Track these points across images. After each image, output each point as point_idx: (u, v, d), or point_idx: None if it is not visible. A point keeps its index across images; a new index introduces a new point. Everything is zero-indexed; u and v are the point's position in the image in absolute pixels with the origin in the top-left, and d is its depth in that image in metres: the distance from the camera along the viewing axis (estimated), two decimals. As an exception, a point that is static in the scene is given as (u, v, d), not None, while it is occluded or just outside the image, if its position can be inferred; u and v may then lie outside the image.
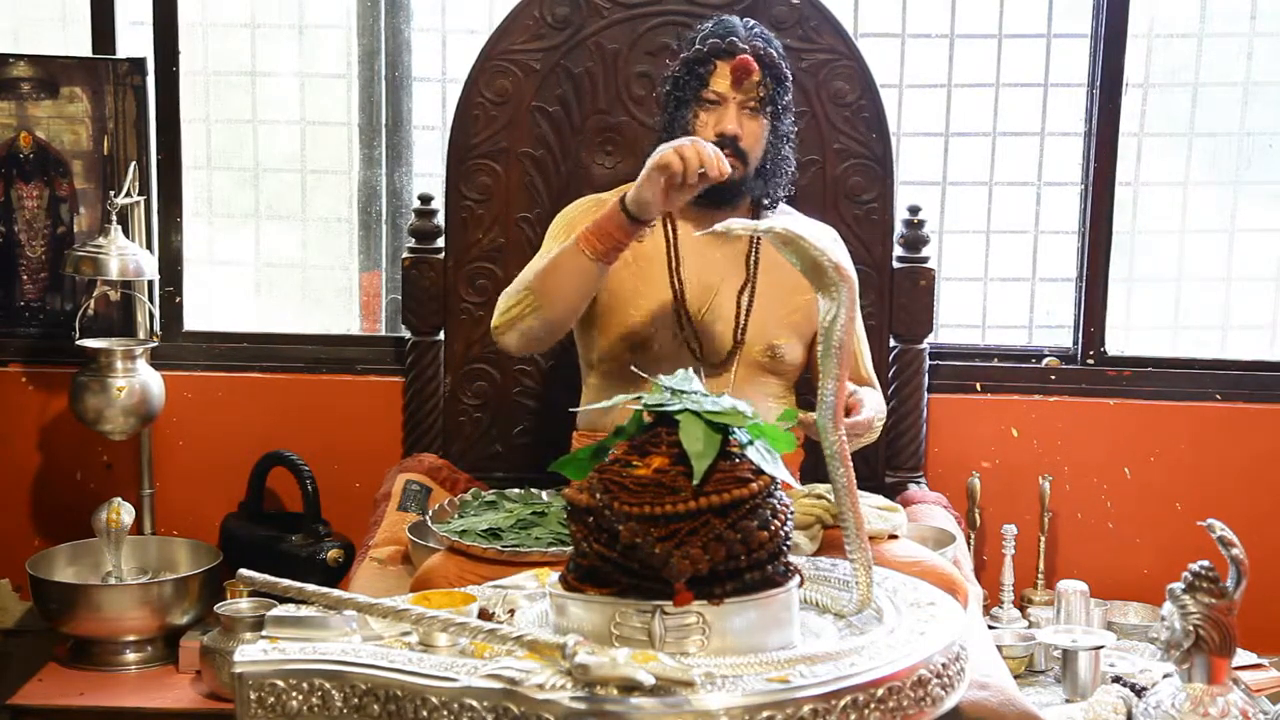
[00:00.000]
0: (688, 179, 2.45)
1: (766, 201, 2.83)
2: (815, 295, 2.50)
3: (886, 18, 3.51)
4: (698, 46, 2.76)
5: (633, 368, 2.57)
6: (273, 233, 3.65)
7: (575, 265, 2.59)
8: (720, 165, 2.45)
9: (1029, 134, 3.55)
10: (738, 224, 2.04)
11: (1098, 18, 3.40)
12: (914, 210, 3.27)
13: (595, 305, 2.81)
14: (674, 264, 2.81)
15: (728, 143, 2.69)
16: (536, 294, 2.65)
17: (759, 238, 2.77)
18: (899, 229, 3.27)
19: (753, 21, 2.82)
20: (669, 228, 2.82)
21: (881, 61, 3.42)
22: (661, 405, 1.82)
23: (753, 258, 2.83)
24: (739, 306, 2.81)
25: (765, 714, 1.61)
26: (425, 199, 3.30)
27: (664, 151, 2.46)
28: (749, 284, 2.82)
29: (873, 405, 2.66)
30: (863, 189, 3.21)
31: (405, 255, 3.29)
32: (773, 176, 2.80)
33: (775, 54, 2.76)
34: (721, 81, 2.72)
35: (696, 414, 1.79)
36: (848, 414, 2.40)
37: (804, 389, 2.91)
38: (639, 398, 1.86)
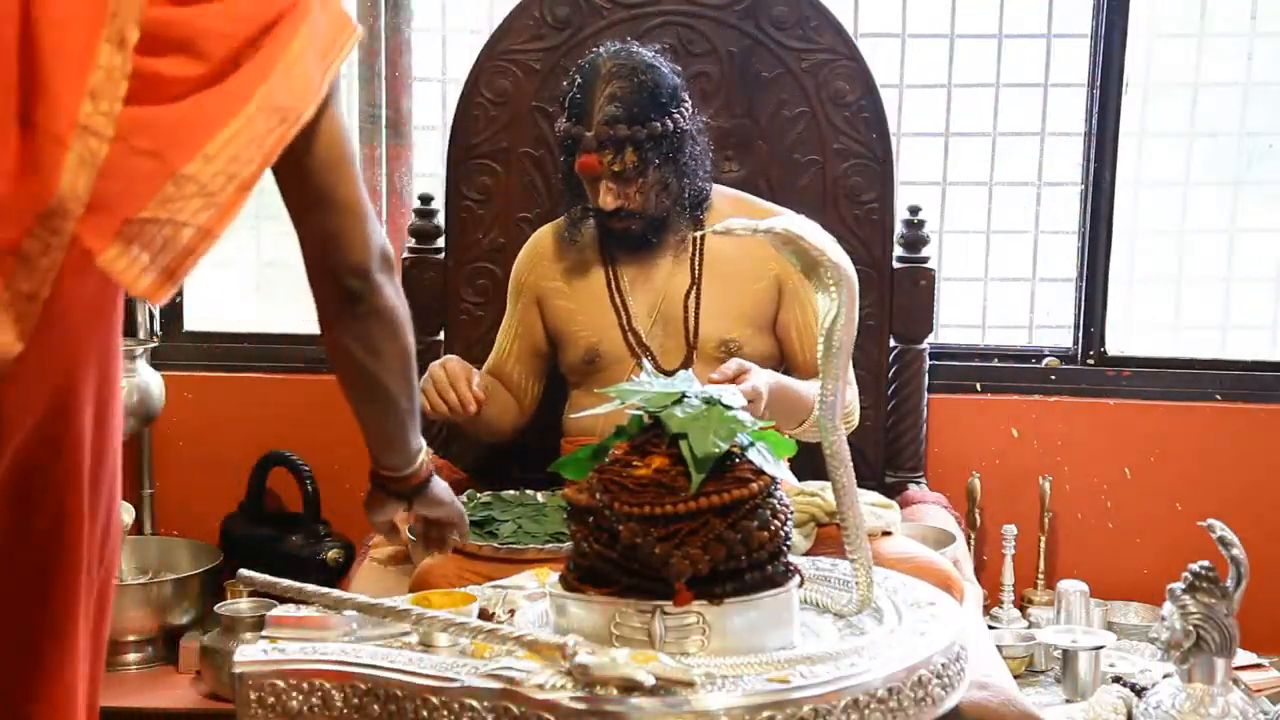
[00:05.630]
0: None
1: (696, 211, 2.80)
2: (766, 283, 2.72)
3: (886, 18, 3.50)
4: (564, 118, 2.72)
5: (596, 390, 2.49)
6: (273, 233, 3.64)
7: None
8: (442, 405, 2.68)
9: (1029, 134, 3.54)
10: (737, 224, 2.03)
11: (1098, 18, 3.39)
12: (914, 210, 3.27)
13: (550, 334, 2.91)
14: (618, 295, 2.83)
15: (611, 214, 2.70)
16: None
17: (699, 240, 2.79)
18: (899, 229, 3.26)
19: (625, 64, 2.69)
20: (608, 263, 2.84)
21: (881, 61, 3.42)
22: (659, 409, 1.82)
23: (696, 260, 2.82)
24: (687, 311, 2.80)
25: (765, 714, 1.61)
26: (425, 199, 3.30)
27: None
28: (694, 287, 2.81)
29: (792, 383, 2.63)
30: (863, 189, 3.20)
31: (405, 255, 3.29)
32: (682, 192, 2.75)
33: (643, 108, 2.64)
34: (589, 160, 2.68)
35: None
36: (735, 381, 2.38)
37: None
38: (621, 403, 1.86)
